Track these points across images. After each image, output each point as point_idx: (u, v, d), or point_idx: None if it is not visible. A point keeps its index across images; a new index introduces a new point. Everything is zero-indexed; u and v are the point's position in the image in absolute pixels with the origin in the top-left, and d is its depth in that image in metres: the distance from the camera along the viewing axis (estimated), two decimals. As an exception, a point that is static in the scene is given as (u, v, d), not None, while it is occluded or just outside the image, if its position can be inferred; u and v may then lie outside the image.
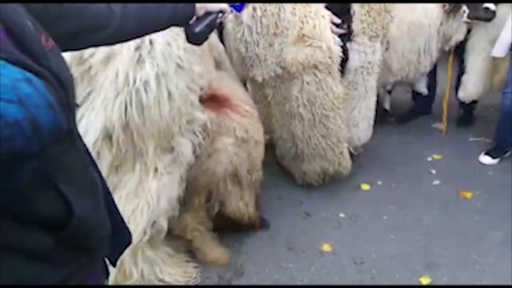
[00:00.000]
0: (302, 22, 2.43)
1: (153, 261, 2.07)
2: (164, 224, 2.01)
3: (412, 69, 3.25)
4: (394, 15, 2.86)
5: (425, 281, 2.31)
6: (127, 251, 1.87)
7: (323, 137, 2.67)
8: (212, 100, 2.17)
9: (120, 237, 1.13)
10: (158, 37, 1.77)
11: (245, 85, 2.76)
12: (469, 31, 3.35)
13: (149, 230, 1.95)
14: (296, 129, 2.70)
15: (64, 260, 0.86)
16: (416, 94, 3.85)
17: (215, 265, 2.36)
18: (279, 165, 3.09)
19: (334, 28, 2.53)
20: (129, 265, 1.96)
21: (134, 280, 1.97)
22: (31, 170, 0.72)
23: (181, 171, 2.02)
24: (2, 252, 0.77)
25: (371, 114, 3.04)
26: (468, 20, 3.19)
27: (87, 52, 1.72)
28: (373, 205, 2.86)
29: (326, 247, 2.52)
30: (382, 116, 3.62)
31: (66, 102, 0.76)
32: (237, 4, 1.42)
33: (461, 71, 3.60)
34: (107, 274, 1.14)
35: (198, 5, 1.24)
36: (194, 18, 1.25)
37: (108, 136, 1.82)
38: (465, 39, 3.38)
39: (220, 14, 1.29)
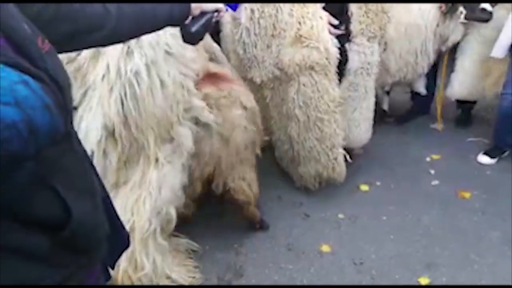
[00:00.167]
0: (300, 23, 2.43)
1: (165, 251, 2.06)
2: (172, 212, 2.01)
3: (410, 70, 3.26)
4: (391, 15, 2.88)
5: (424, 281, 2.31)
6: (136, 243, 1.88)
7: (318, 140, 2.67)
8: (213, 77, 2.19)
9: (118, 240, 1.13)
10: None
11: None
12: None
13: (154, 220, 1.94)
14: (292, 131, 2.71)
15: (63, 261, 0.87)
16: (414, 94, 3.86)
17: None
18: (278, 166, 3.10)
19: (332, 29, 2.54)
20: (140, 255, 1.94)
21: (146, 272, 1.95)
22: (28, 172, 0.73)
23: (183, 160, 2.01)
24: (1, 253, 0.77)
25: (371, 114, 3.05)
26: (465, 21, 3.20)
27: None
28: (372, 206, 2.86)
29: (325, 248, 2.52)
30: (380, 117, 3.63)
31: (63, 104, 0.76)
32: (232, 3, 1.42)
33: (451, 70, 3.62)
34: (108, 277, 1.15)
35: (193, 5, 1.24)
36: (190, 18, 1.25)
37: (110, 133, 1.83)
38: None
39: (215, 14, 1.30)
